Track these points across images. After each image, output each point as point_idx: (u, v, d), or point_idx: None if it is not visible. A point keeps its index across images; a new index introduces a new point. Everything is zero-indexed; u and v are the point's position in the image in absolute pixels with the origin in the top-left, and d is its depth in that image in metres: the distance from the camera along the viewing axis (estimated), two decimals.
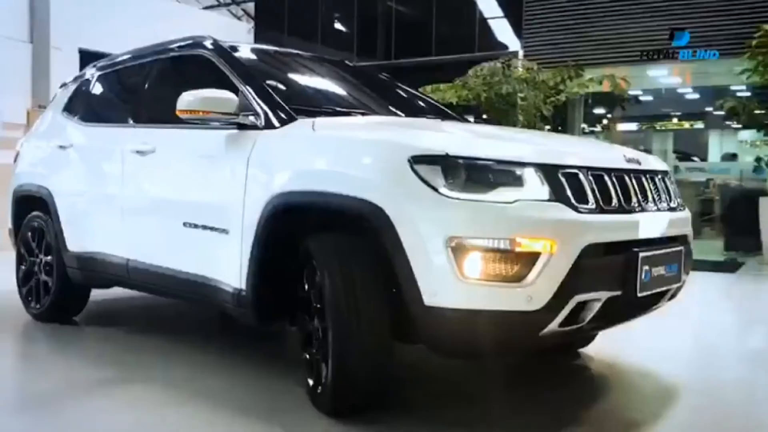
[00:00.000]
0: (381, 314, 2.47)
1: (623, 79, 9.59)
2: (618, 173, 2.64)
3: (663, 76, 13.15)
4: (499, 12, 16.77)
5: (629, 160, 2.74)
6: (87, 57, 12.25)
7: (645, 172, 2.80)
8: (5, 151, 6.21)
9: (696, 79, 13.28)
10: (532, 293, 2.30)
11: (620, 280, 2.50)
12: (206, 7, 22.11)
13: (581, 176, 2.48)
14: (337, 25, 19.93)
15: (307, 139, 2.82)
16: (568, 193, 2.40)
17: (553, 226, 2.33)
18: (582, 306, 2.44)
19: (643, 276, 2.53)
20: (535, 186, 2.37)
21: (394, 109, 3.65)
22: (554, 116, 9.79)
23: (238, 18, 23.47)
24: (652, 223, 2.70)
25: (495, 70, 9.74)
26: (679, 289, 2.89)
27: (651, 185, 2.80)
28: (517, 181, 2.37)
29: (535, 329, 2.39)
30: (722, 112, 9.47)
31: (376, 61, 17.26)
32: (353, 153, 2.62)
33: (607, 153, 2.87)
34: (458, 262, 2.29)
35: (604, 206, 2.50)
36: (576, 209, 2.39)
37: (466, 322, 2.33)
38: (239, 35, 18.39)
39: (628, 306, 2.65)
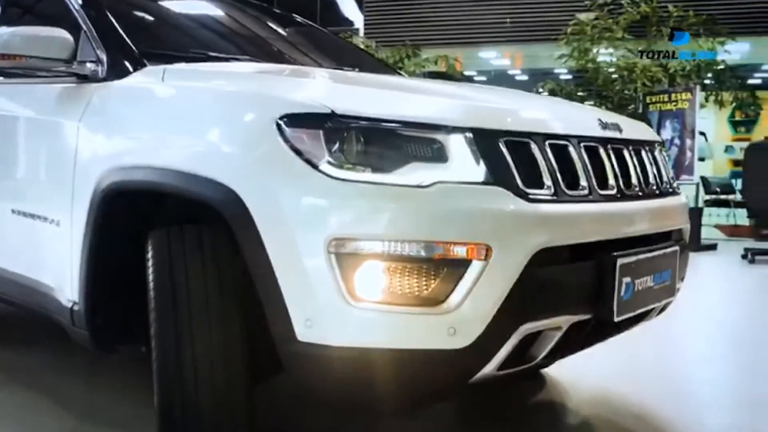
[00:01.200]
0: (232, 350, 1.68)
1: (457, 59, 10.34)
2: (590, 143, 1.85)
3: (494, 58, 13.59)
4: None
5: (606, 126, 1.95)
6: None
7: (628, 142, 2.02)
8: None
9: (525, 62, 13.77)
10: (457, 323, 1.53)
11: (590, 299, 1.73)
12: None
13: (534, 147, 1.69)
14: None
15: (153, 92, 2.00)
16: (514, 171, 1.62)
17: (489, 221, 1.55)
18: (532, 339, 1.68)
19: (623, 291, 1.76)
20: (464, 161, 1.58)
21: (302, 58, 2.80)
22: None
23: None
24: (636, 214, 1.92)
25: None
26: (669, 303, 2.13)
27: (636, 161, 2.02)
28: (438, 154, 1.58)
29: (462, 375, 1.63)
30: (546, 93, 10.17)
31: None
32: (204, 111, 1.81)
33: (574, 115, 2.07)
34: (346, 277, 1.52)
35: (567, 191, 1.71)
36: (525, 196, 1.61)
37: (357, 367, 1.56)
38: None
39: (600, 333, 1.89)
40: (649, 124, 8.77)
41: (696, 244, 7.81)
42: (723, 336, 3.92)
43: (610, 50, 9.23)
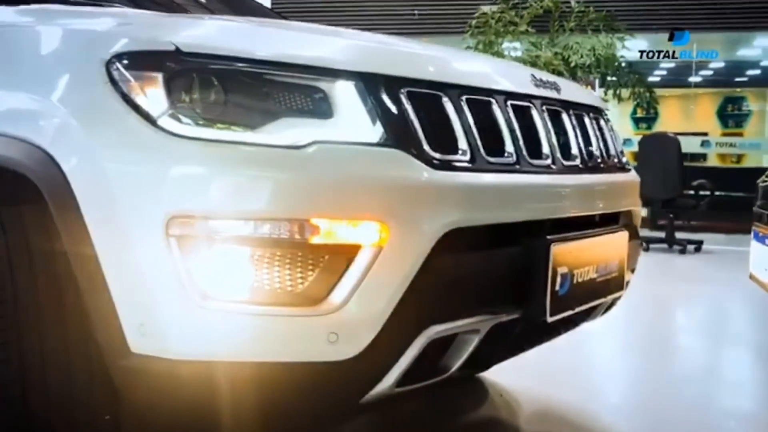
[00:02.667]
0: (74, 362, 1.29)
1: None
2: (519, 101, 1.50)
3: None
4: None
5: (540, 84, 1.60)
6: None
7: (568, 105, 1.67)
8: None
9: None
10: (341, 327, 1.17)
11: (516, 295, 1.38)
12: None
13: (447, 102, 1.33)
14: None
15: None
16: (419, 131, 1.26)
17: (384, 193, 1.19)
18: (443, 345, 1.32)
19: (557, 285, 1.41)
20: (353, 116, 1.22)
21: (194, 8, 2.39)
22: None
23: None
24: (576, 190, 1.58)
25: None
26: (617, 299, 1.80)
27: (577, 127, 1.68)
28: (320, 106, 1.22)
29: (349, 394, 1.26)
30: None
31: None
32: (21, 53, 1.41)
33: (501, 68, 1.72)
34: (192, 268, 1.15)
35: (488, 159, 1.36)
36: (432, 162, 1.25)
37: (208, 387, 1.18)
38: None
39: (533, 336, 1.55)
40: None
41: None
42: (630, 324, 3.65)
43: (515, 44, 9.36)
